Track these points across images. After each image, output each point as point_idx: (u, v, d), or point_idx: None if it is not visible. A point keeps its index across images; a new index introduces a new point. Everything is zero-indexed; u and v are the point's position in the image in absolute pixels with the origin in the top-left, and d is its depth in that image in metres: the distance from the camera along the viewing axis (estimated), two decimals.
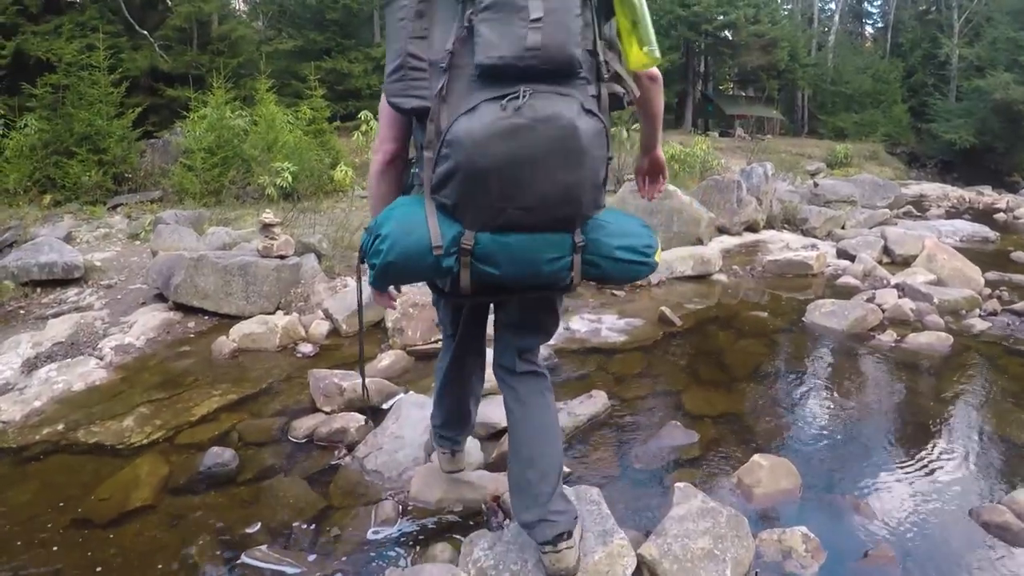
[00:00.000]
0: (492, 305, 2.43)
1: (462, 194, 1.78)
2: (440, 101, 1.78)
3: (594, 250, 1.94)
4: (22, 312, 6.58)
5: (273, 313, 6.14)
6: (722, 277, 7.54)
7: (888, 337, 5.50)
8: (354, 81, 21.14)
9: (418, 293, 5.17)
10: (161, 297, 6.47)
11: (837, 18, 41.45)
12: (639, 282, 6.96)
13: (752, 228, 9.78)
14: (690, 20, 28.69)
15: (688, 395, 4.39)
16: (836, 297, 6.65)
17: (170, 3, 16.42)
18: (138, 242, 9.21)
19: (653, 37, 1.94)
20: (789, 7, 38.28)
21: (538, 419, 2.30)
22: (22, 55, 14.72)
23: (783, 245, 9.26)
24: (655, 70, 2.09)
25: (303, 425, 3.88)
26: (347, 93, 21.42)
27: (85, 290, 7.13)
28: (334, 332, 5.67)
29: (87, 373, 4.92)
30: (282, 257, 6.42)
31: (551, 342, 4.91)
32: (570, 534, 2.20)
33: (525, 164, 1.72)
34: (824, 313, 5.93)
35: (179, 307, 6.25)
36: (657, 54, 1.95)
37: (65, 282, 7.15)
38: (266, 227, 6.44)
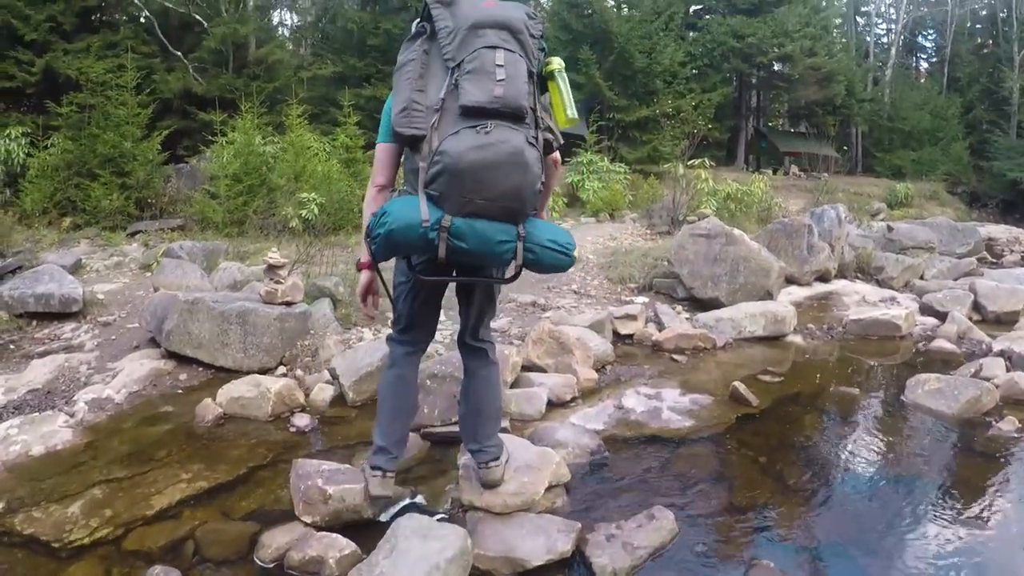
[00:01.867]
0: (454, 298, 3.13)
1: (446, 187, 2.45)
2: (433, 130, 2.48)
3: (531, 240, 2.59)
4: (11, 347, 5.97)
5: (275, 369, 5.31)
6: (797, 339, 6.49)
7: (1009, 425, 4.44)
8: None
9: (437, 363, 4.24)
10: (156, 341, 5.66)
11: (894, 52, 39.98)
12: (703, 346, 6.00)
13: (823, 278, 8.73)
14: (744, 52, 27.49)
15: (777, 511, 3.38)
16: (930, 365, 5.71)
17: (206, 24, 15.84)
18: (149, 274, 8.50)
19: (573, 105, 2.76)
20: (843, 40, 36.82)
21: (483, 382, 3.13)
22: (52, 73, 14.29)
23: (859, 299, 8.20)
24: (558, 157, 2.93)
25: (274, 542, 2.98)
26: None
27: (82, 326, 6.45)
28: (339, 399, 4.76)
29: (51, 434, 4.24)
30: (288, 304, 5.56)
31: (600, 427, 4.14)
32: (497, 459, 3.12)
33: (488, 168, 2.43)
34: (929, 392, 4.89)
35: (172, 355, 5.47)
36: (575, 116, 2.76)
37: (63, 315, 6.49)
38: (271, 268, 5.59)
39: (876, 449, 4.23)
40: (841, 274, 9.14)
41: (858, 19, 43.37)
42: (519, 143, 2.45)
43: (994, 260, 13.13)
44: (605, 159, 16.69)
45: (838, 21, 35.70)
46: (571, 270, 8.01)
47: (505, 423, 4.04)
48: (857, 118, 33.76)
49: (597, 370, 5.24)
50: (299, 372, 5.24)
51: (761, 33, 26.74)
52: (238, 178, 11.06)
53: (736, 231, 7.43)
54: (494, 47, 2.54)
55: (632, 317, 6.36)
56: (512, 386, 4.66)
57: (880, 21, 44.76)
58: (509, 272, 2.72)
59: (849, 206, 17.17)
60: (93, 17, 16.07)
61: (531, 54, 2.63)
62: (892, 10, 43.03)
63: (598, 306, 7.09)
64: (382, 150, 2.85)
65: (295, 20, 30.29)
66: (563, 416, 4.42)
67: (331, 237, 10.26)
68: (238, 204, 10.69)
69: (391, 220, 2.48)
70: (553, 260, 2.65)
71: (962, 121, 34.38)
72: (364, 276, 2.97)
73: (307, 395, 4.79)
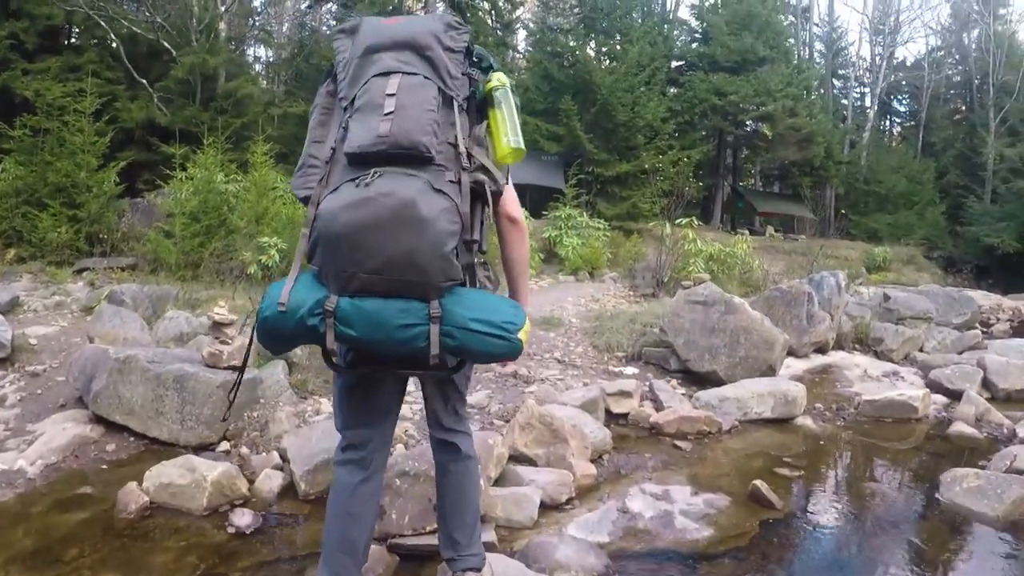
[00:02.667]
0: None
1: (323, 259, 2.02)
2: (321, 188, 2.08)
3: (449, 320, 2.01)
4: None
5: (217, 444, 4.59)
6: (807, 421, 5.82)
7: None
8: None
9: (409, 458, 3.51)
10: (84, 401, 4.92)
11: (872, 115, 40.27)
12: (707, 430, 5.32)
13: (821, 349, 8.15)
14: (725, 110, 27.28)
15: None
16: (955, 454, 5.24)
17: (175, 53, 15.19)
18: (89, 318, 7.76)
19: (519, 132, 2.22)
20: (822, 102, 36.86)
21: (453, 480, 2.59)
22: (9, 93, 13.60)
23: (861, 372, 7.63)
24: (518, 215, 2.37)
25: None
26: None
27: (8, 375, 5.74)
28: (290, 490, 4.01)
29: None
30: (235, 368, 4.83)
31: (605, 539, 3.46)
32: (478, 570, 2.59)
33: (367, 230, 1.94)
34: (968, 490, 4.27)
35: (100, 420, 4.73)
36: (520, 145, 2.21)
37: None
38: (217, 326, 4.86)
39: (922, 564, 3.58)
40: (839, 345, 8.58)
41: (835, 82, 43.87)
42: (409, 193, 1.96)
43: (985, 329, 12.73)
44: (584, 214, 16.15)
45: (815, 83, 35.79)
46: (553, 335, 7.40)
47: (490, 534, 3.31)
48: (834, 180, 33.65)
49: (593, 460, 4.52)
50: (244, 450, 4.51)
51: (743, 91, 26.49)
52: (196, 217, 10.30)
53: (736, 299, 6.81)
54: (388, 73, 2.13)
55: (627, 394, 5.68)
56: (497, 483, 3.92)
57: (857, 85, 45.35)
58: (448, 361, 2.15)
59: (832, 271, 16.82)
60: (66, 40, 15.50)
61: (446, 73, 2.16)
62: (868, 74, 43.63)
63: (586, 378, 6.41)
64: None
65: (269, 56, 29.78)
66: (559, 522, 3.69)
67: None
68: (194, 245, 9.90)
69: (265, 306, 2.07)
70: (484, 347, 2.06)
71: (936, 185, 34.55)
72: None
73: (252, 482, 4.04)
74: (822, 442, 5.46)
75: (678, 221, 12.50)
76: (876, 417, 6.08)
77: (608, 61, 25.31)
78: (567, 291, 11.20)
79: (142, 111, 14.63)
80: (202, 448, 4.51)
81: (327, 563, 2.42)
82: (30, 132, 11.29)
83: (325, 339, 2.02)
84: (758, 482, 4.13)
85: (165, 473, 3.87)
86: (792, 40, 35.44)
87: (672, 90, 29.06)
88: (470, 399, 5.44)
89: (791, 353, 7.62)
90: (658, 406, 5.71)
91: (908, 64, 44.64)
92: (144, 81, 14.98)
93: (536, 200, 22.31)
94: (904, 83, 43.59)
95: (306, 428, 4.36)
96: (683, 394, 6.12)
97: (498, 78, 2.25)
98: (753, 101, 26.88)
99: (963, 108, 40.09)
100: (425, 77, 2.12)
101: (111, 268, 10.28)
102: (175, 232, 10.20)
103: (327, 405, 5.12)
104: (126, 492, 3.77)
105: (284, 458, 4.21)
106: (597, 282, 12.98)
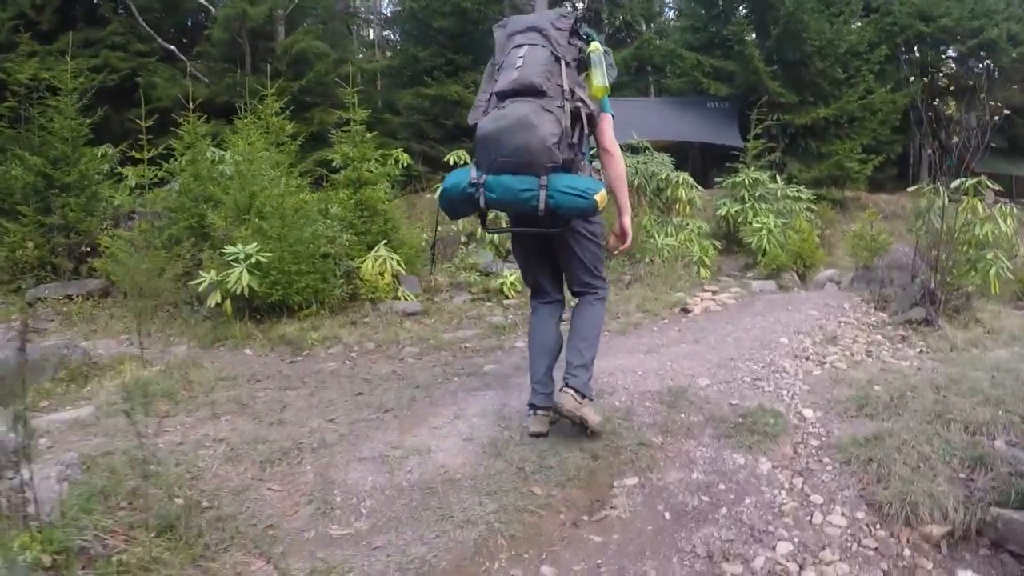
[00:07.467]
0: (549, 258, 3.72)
1: (478, 153, 3.30)
2: (481, 115, 3.38)
3: (551, 187, 3.19)
4: None
5: None
6: None
7: None
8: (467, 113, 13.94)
9: None
10: None
11: None
12: None
13: None
14: (935, 38, 20.96)
15: None
16: None
17: (213, 10, 11.93)
18: None
19: (607, 78, 3.43)
20: None
21: (580, 316, 3.61)
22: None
23: None
24: (609, 146, 3.56)
25: None
26: (458, 131, 14.80)
27: None
28: None
29: None
30: None
31: None
32: (577, 389, 3.44)
33: (502, 132, 3.18)
34: None
35: None
36: (606, 84, 3.42)
37: None
38: None
39: None
40: None
41: None
42: (527, 110, 3.18)
43: None
44: (778, 179, 11.22)
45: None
46: (767, 465, 3.25)
47: None
48: None
49: None
50: None
51: (957, 13, 20.23)
52: (172, 215, 6.88)
53: None
54: (520, 45, 3.38)
55: None
56: None
57: None
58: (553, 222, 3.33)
59: None
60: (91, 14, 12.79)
61: (555, 43, 3.36)
62: None
63: None
64: None
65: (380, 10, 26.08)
66: None
67: (279, 325, 5.69)
68: (161, 259, 6.34)
69: (445, 183, 3.44)
70: (572, 204, 3.19)
71: None
72: None
73: None
74: None
75: (957, 183, 7.23)
76: None
77: None
78: (769, 315, 5.89)
79: (173, 84, 11.42)
80: None
81: (531, 366, 3.66)
82: (7, 123, 9.02)
83: (478, 202, 3.29)
84: None
85: None
86: None
87: (857, 22, 22.93)
88: None
89: None
90: None
91: None
92: (172, 47, 11.78)
93: (701, 163, 17.52)
94: None
95: None
96: None
97: (594, 46, 3.43)
98: (969, 26, 20.53)
99: None
100: (542, 46, 3.35)
101: (68, 296, 7.20)
102: (137, 240, 6.82)
103: None
104: None
105: None
106: (812, 290, 7.94)
